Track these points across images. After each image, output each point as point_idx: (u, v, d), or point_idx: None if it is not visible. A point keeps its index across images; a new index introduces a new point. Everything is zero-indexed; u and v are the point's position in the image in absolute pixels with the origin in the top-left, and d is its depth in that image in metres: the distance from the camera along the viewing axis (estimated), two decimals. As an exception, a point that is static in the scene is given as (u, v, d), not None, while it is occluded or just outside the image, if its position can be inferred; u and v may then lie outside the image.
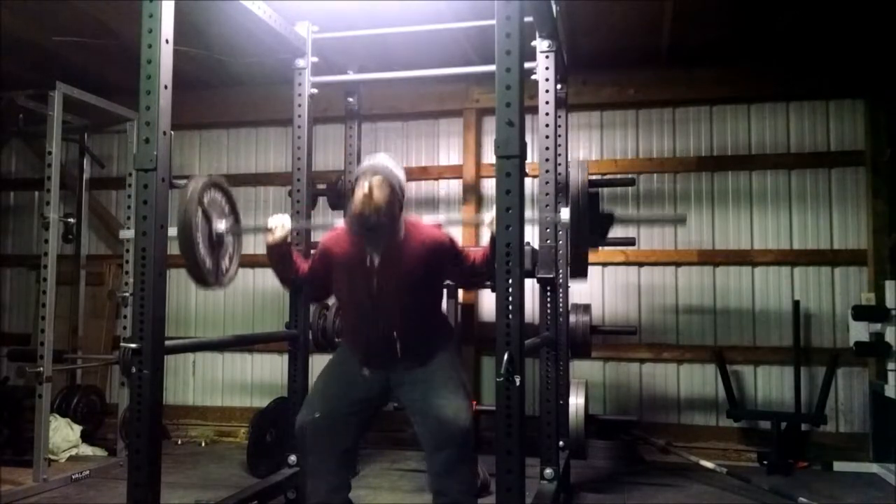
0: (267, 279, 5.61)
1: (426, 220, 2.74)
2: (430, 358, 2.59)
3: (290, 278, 2.85)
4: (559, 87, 3.60)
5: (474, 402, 4.30)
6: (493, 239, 2.43)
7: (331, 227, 2.86)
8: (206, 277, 2.70)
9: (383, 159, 2.60)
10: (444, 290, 3.12)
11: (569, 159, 4.02)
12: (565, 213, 2.87)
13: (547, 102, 3.22)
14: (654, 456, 4.73)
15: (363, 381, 2.62)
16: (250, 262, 5.60)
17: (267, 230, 2.73)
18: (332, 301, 4.65)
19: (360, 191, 2.51)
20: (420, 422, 2.52)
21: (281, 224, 2.71)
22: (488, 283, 2.82)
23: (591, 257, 4.96)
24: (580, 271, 3.27)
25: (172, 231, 2.45)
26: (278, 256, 2.76)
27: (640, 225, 5.07)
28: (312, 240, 3.64)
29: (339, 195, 4.30)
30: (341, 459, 2.57)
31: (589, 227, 2.84)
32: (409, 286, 2.54)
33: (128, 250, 4.60)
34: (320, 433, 2.53)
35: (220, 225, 2.81)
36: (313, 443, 2.55)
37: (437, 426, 2.44)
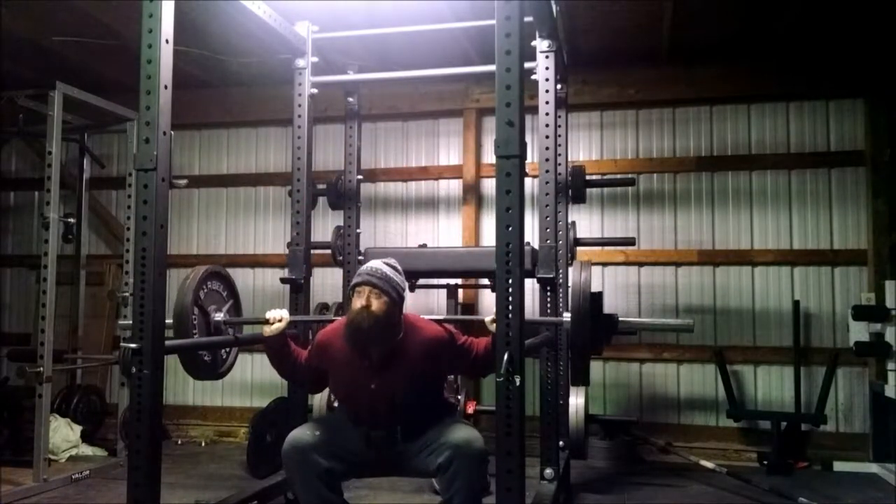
0: (267, 279, 5.61)
1: (426, 319, 2.69)
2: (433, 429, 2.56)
3: (288, 369, 2.79)
4: (559, 87, 3.60)
5: (474, 403, 4.31)
6: (494, 336, 2.41)
7: (329, 320, 2.81)
8: (204, 373, 2.80)
9: (380, 266, 2.56)
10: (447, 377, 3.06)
11: (569, 166, 4.04)
12: (567, 316, 2.85)
13: (547, 102, 3.22)
14: (654, 456, 4.73)
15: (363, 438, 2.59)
16: (251, 261, 5.65)
17: (265, 322, 2.69)
18: (331, 302, 4.67)
19: (358, 302, 2.49)
20: (433, 453, 2.44)
21: (279, 316, 2.68)
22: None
23: (592, 257, 4.99)
24: (581, 378, 3.23)
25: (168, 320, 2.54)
26: (276, 348, 2.73)
27: (639, 228, 5.09)
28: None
29: (338, 195, 4.30)
30: (331, 482, 2.51)
31: (591, 330, 2.79)
32: (408, 384, 2.52)
33: (128, 250, 4.60)
34: (314, 454, 2.47)
35: (218, 315, 2.90)
36: (302, 464, 2.47)
37: (454, 450, 2.37)
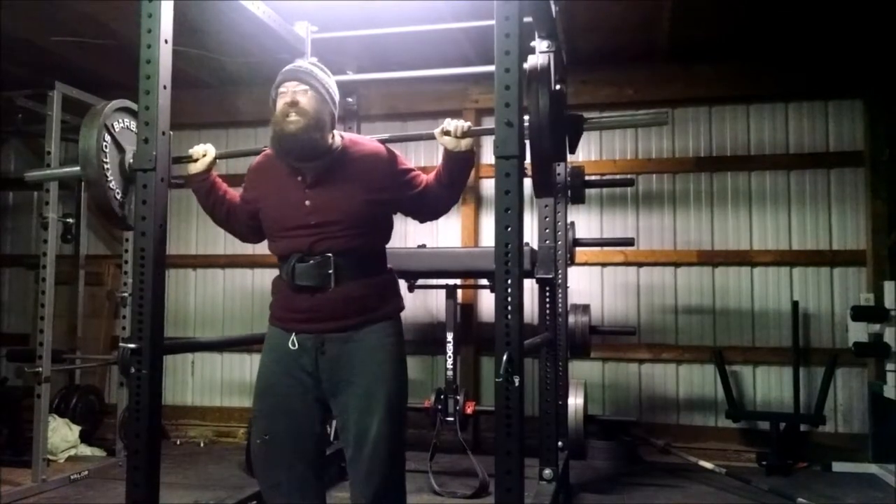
0: (266, 279, 5.59)
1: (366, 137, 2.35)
2: (367, 322, 2.15)
3: (222, 212, 2.39)
4: (558, 87, 3.58)
5: (474, 403, 4.31)
6: (447, 155, 2.17)
7: (261, 152, 2.44)
8: (116, 212, 2.43)
9: (308, 64, 2.22)
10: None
11: (568, 167, 4.02)
12: (526, 119, 2.45)
13: (546, 102, 3.20)
14: (654, 456, 4.74)
15: (294, 369, 2.15)
16: (249, 262, 5.64)
17: (189, 160, 2.37)
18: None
19: (282, 101, 2.13)
20: (347, 438, 2.13)
21: (203, 151, 2.37)
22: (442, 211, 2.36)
23: (591, 257, 5.01)
24: (546, 187, 2.77)
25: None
26: (204, 189, 2.37)
27: (638, 228, 5.08)
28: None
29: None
30: (302, 487, 2.16)
31: (552, 131, 2.32)
32: (345, 205, 2.14)
33: (127, 250, 4.60)
34: (269, 462, 2.17)
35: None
36: (264, 473, 2.19)
37: (367, 449, 2.08)
